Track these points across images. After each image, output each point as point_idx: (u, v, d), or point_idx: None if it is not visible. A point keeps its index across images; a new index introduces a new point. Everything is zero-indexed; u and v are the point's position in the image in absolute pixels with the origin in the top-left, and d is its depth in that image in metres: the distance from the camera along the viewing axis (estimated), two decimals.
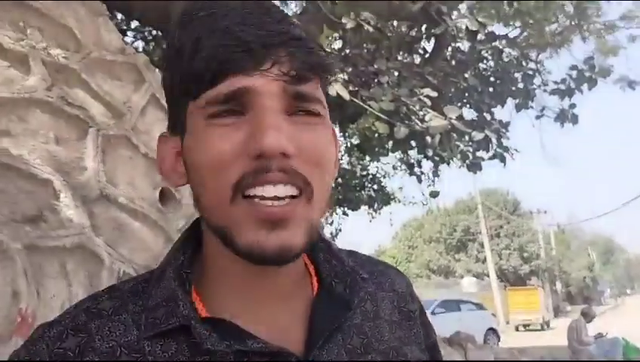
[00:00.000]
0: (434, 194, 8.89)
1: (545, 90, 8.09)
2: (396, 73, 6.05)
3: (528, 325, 28.20)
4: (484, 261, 36.39)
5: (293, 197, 0.50)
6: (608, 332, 10.97)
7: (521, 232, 42.48)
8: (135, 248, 1.71)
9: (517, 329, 27.61)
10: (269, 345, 0.52)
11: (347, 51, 6.42)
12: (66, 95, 1.79)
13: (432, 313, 14.66)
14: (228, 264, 0.55)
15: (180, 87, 0.53)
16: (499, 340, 16.84)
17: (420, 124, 5.71)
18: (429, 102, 5.81)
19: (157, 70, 2.18)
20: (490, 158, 7.88)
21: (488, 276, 33.66)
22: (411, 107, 5.60)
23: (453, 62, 7.44)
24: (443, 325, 10.70)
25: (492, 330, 16.89)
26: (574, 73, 7.60)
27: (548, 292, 38.96)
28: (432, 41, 7.09)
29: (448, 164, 7.74)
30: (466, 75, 7.03)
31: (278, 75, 0.50)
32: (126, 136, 1.86)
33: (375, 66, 5.89)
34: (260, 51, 0.50)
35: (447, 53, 7.46)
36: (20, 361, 0.52)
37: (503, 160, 7.84)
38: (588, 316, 10.74)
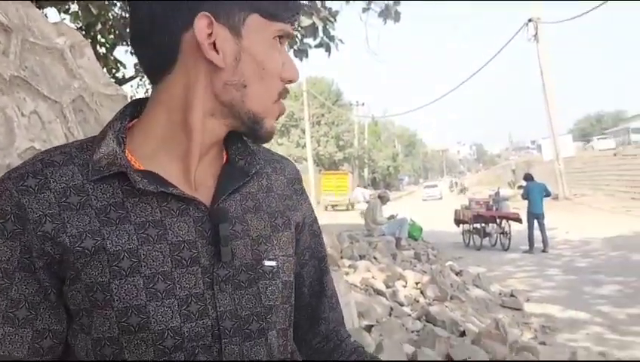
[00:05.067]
0: None
1: None
2: None
3: (336, 205, 31.00)
4: (304, 146, 38.20)
5: None
6: (400, 213, 12.57)
7: (339, 122, 45.09)
8: None
9: (326, 208, 30.21)
10: (185, 193, 0.73)
11: None
12: None
13: None
14: (177, 141, 0.74)
15: (255, 1, 0.72)
16: None
17: None
18: None
19: None
20: (317, 46, 7.96)
21: (306, 160, 35.62)
22: None
23: None
24: None
25: None
26: None
27: (356, 177, 42.82)
28: None
29: None
30: None
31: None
32: None
33: None
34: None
35: None
36: None
37: (328, 49, 7.98)
38: (384, 199, 12.12)
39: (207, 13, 0.70)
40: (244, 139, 0.82)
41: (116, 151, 0.72)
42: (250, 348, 0.74)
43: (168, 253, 0.71)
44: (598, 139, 46.12)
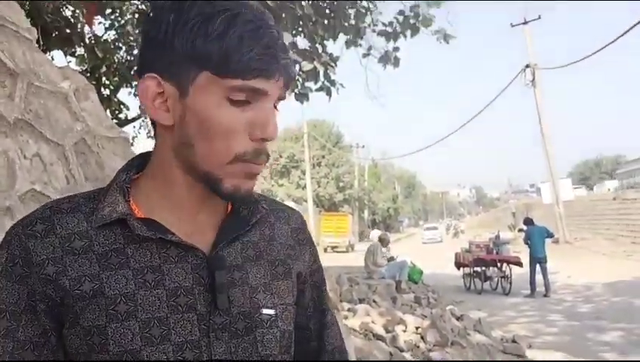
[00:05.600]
0: None
1: (374, 31, 8.45)
2: None
3: (336, 247, 30.79)
4: (304, 187, 38.28)
5: None
6: (400, 256, 12.47)
7: (340, 163, 45.29)
8: None
9: (325, 250, 30.00)
10: (183, 240, 0.74)
11: None
12: None
13: None
14: (177, 191, 0.76)
15: (203, 58, 0.69)
16: None
17: None
18: None
19: None
20: (318, 90, 8.09)
21: (307, 201, 35.62)
22: None
23: None
24: None
25: None
26: (401, 18, 8.03)
27: (356, 219, 42.72)
28: None
29: None
30: (303, 3, 7.01)
31: (279, 85, 0.72)
32: None
33: None
34: (279, 68, 0.71)
35: None
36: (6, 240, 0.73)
37: (329, 93, 8.10)
38: (384, 241, 12.05)
39: (153, 75, 0.72)
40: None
41: (118, 200, 0.75)
42: None
43: (165, 298, 0.72)
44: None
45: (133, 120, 8.31)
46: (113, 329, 0.69)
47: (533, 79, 25.45)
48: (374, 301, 8.05)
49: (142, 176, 0.80)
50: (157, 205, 0.77)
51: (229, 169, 0.72)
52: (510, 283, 12.16)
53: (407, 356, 5.48)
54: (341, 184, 44.73)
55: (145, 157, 0.82)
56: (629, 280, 12.71)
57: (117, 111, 7.75)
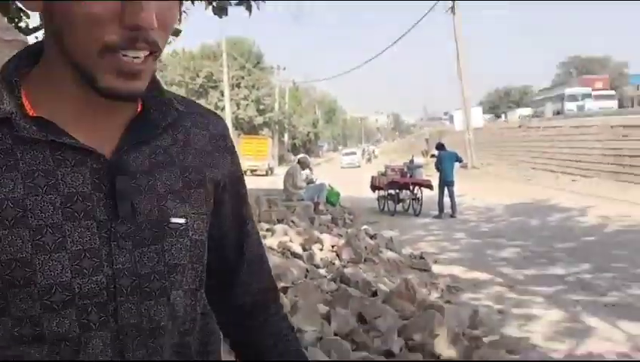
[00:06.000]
0: (176, 33, 8.46)
1: None
2: None
3: (255, 170, 30.87)
4: (223, 109, 37.44)
5: (146, 56, 0.66)
6: (318, 178, 12.72)
7: (260, 85, 44.52)
8: None
9: (245, 173, 29.47)
10: (80, 143, 0.67)
11: None
12: None
13: None
14: (72, 86, 0.68)
15: None
16: None
17: None
18: None
19: None
20: (237, 4, 7.72)
21: None
22: None
23: None
24: None
25: None
26: None
27: (276, 142, 42.72)
28: None
29: (193, 2, 7.36)
30: None
31: None
32: None
33: None
34: None
35: None
36: None
37: (249, 8, 7.75)
38: (304, 165, 12.20)
39: None
40: (162, 88, 0.77)
41: (3, 96, 0.67)
42: (150, 307, 0.71)
43: (59, 204, 0.67)
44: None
45: (35, 29, 7.58)
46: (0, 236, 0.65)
47: (453, 6, 25.76)
48: (293, 221, 8.23)
49: (36, 69, 0.72)
50: (52, 103, 0.70)
51: (101, 63, 0.64)
52: (421, 205, 12.86)
53: (323, 272, 5.73)
54: (261, 107, 44.17)
55: (40, 47, 0.73)
56: (527, 202, 13.85)
57: (16, 19, 7.04)
